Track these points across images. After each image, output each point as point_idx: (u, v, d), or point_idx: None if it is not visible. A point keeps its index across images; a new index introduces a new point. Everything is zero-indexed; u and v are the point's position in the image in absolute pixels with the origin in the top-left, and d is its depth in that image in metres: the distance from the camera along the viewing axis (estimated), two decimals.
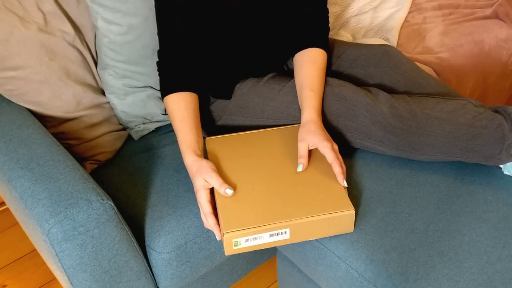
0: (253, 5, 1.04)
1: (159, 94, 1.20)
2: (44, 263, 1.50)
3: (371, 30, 1.71)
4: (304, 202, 0.86)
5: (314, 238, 0.90)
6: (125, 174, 1.11)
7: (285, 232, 0.85)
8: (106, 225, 0.85)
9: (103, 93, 1.17)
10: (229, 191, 0.87)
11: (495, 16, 1.71)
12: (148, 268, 0.99)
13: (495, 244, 0.87)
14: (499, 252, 0.86)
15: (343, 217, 0.86)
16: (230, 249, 0.84)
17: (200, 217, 1.00)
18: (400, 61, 1.12)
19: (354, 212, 0.85)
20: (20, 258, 1.53)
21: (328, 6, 1.13)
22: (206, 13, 1.02)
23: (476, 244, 0.87)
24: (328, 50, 1.11)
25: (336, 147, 0.93)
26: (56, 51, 1.06)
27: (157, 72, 1.05)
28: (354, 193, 0.98)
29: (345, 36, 1.65)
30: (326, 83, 1.03)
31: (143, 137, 1.23)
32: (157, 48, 1.05)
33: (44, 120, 1.08)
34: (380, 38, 1.67)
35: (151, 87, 1.19)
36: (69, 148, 1.11)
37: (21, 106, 1.06)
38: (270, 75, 1.12)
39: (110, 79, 1.14)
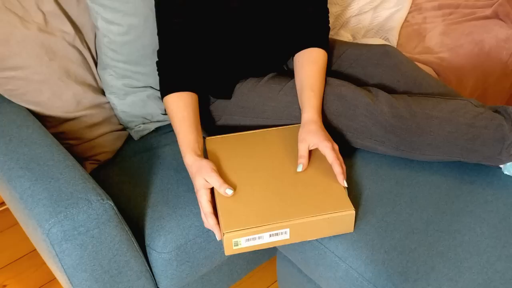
0: (253, 4, 1.04)
1: (159, 94, 1.20)
2: (44, 263, 1.50)
3: (371, 30, 1.71)
4: (304, 202, 0.86)
5: (314, 238, 0.90)
6: (125, 174, 1.11)
7: (285, 232, 0.85)
8: (106, 225, 0.85)
9: (103, 93, 1.17)
10: (229, 191, 0.87)
11: (495, 16, 1.71)
12: (148, 268, 0.99)
13: (495, 244, 0.87)
14: (499, 252, 0.86)
15: (343, 217, 0.86)
16: (230, 249, 0.84)
17: (200, 217, 1.01)
18: (400, 61, 1.12)
19: (354, 212, 0.85)
20: (20, 258, 1.53)
21: (328, 6, 1.13)
22: (207, 12, 1.02)
23: (476, 244, 0.87)
24: (328, 49, 1.11)
25: (336, 147, 0.93)
26: (56, 51, 1.06)
27: (157, 72, 1.05)
28: (354, 193, 0.98)
29: (345, 36, 1.65)
30: (326, 83, 1.03)
31: (143, 137, 1.23)
32: (157, 48, 1.05)
33: (44, 120, 1.08)
34: (380, 38, 1.67)
35: (151, 87, 1.19)
36: (69, 148, 1.11)
37: (21, 106, 1.06)
38: (270, 75, 1.12)
39: (110, 79, 1.14)
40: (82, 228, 0.82)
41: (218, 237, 0.87)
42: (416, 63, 1.48)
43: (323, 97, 1.01)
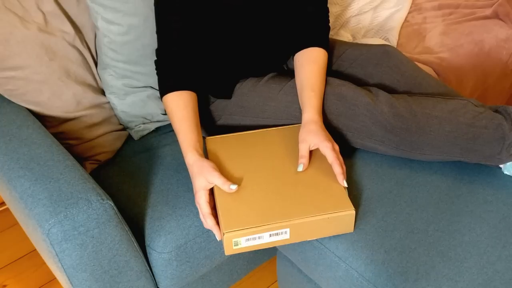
0: (253, 3, 1.04)
1: (159, 94, 1.20)
2: (44, 263, 1.50)
3: (371, 30, 1.71)
4: (304, 202, 0.86)
5: (314, 238, 0.90)
6: (125, 174, 1.11)
7: (285, 232, 0.85)
8: (106, 225, 0.85)
9: (103, 93, 1.17)
10: (234, 186, 0.87)
11: (495, 16, 1.71)
12: (148, 268, 0.99)
13: (495, 244, 0.87)
14: (499, 252, 0.86)
15: (343, 217, 0.86)
16: (230, 249, 0.84)
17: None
18: (400, 61, 1.12)
19: (354, 212, 0.85)
20: (20, 258, 1.53)
21: (328, 6, 1.13)
22: (206, 11, 1.02)
23: (476, 244, 0.87)
24: (328, 49, 1.11)
25: (337, 147, 0.93)
26: (56, 51, 1.06)
27: (156, 71, 1.05)
28: (354, 193, 0.98)
29: (345, 36, 1.65)
30: (326, 82, 1.03)
31: (143, 137, 1.23)
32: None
33: (44, 120, 1.08)
34: (380, 38, 1.67)
35: (151, 87, 1.19)
36: (69, 148, 1.11)
37: (21, 106, 1.06)
38: (270, 75, 1.12)
39: (110, 79, 1.14)
40: (82, 228, 0.82)
41: (218, 237, 0.87)
42: (416, 63, 1.48)
43: (323, 97, 1.01)
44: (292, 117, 1.05)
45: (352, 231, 0.90)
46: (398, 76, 1.10)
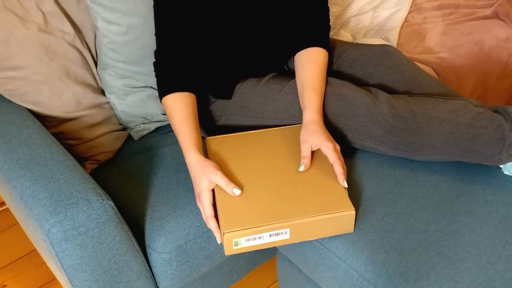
0: (253, 4, 1.04)
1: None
2: (44, 263, 1.50)
3: (371, 30, 1.71)
4: (304, 202, 0.86)
5: (314, 238, 0.90)
6: (125, 174, 1.11)
7: (285, 232, 0.85)
8: (106, 225, 0.85)
9: (103, 93, 1.17)
10: (237, 191, 0.87)
11: (495, 16, 1.71)
12: (148, 268, 0.99)
13: (495, 244, 0.87)
14: (499, 252, 0.86)
15: (343, 217, 0.86)
16: (230, 249, 0.84)
17: (200, 217, 1.00)
18: (400, 61, 1.12)
19: (354, 212, 0.85)
20: (20, 258, 1.53)
21: (328, 5, 1.13)
22: (206, 12, 1.02)
23: (476, 244, 0.87)
24: (329, 49, 1.10)
25: (338, 147, 0.93)
26: (56, 51, 1.06)
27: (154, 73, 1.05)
28: (354, 193, 0.98)
29: (345, 36, 1.65)
30: (326, 82, 1.03)
31: (143, 137, 1.23)
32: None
33: (44, 120, 1.08)
34: (380, 38, 1.67)
35: (151, 87, 1.19)
36: (69, 148, 1.11)
37: (21, 106, 1.06)
38: (271, 75, 1.12)
39: (110, 79, 1.14)
40: (82, 228, 0.82)
41: (219, 241, 0.87)
42: (416, 63, 1.48)
43: (324, 97, 1.01)
44: (292, 117, 1.05)
45: (352, 231, 0.90)
46: (398, 76, 1.10)
